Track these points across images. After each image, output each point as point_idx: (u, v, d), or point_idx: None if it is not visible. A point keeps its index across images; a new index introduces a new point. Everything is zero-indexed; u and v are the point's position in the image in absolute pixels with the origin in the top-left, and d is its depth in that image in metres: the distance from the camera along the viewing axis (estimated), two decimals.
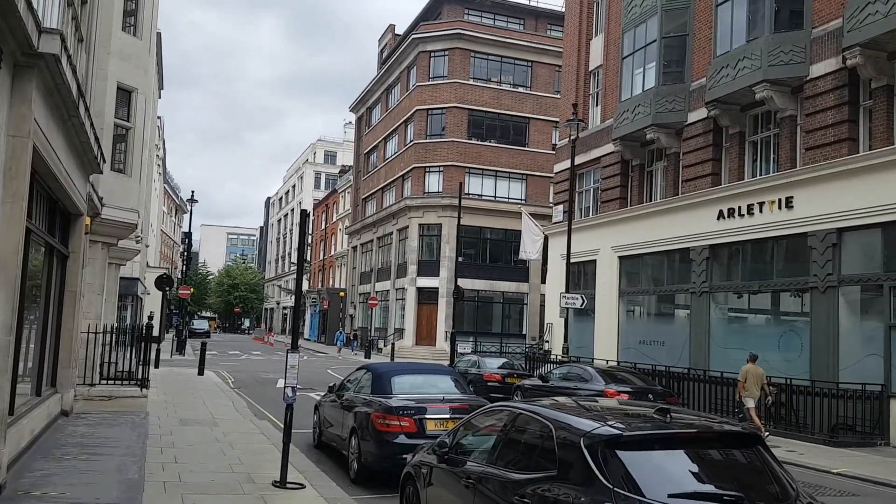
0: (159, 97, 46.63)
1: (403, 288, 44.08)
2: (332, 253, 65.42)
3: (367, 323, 51.45)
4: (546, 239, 27.17)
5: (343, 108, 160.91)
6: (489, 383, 18.88)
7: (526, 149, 43.55)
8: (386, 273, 47.93)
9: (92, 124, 10.49)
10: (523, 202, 43.47)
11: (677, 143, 20.59)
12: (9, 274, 6.68)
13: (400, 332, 43.75)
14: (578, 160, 25.32)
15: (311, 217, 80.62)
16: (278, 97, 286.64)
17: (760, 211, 17.10)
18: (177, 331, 39.49)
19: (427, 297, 42.70)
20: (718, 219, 18.41)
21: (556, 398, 6.05)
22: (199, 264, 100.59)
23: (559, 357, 21.85)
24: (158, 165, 55.28)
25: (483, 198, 42.24)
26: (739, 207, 17.69)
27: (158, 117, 48.30)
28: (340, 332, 48.89)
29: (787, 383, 14.82)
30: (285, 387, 8.10)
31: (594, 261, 23.45)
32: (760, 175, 17.92)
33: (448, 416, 8.67)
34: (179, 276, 53.47)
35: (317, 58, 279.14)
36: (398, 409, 8.70)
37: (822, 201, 15.34)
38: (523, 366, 21.87)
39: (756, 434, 4.61)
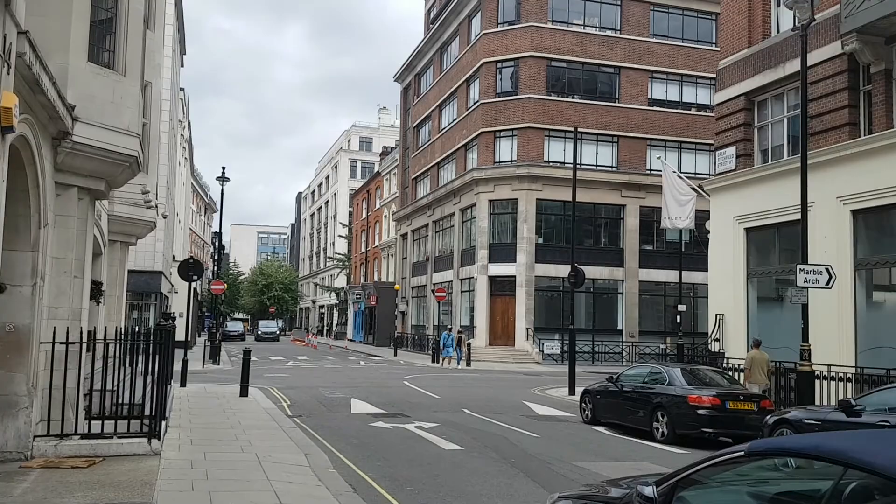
0: (182, 65, 40.23)
1: (472, 277, 37.08)
2: (377, 244, 58.66)
3: (423, 320, 44.60)
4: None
5: (368, 109, 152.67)
6: (699, 411, 11.80)
7: (617, 104, 36.22)
8: (446, 261, 41.00)
9: None
10: (614, 169, 36.26)
11: None
12: None
13: (469, 330, 36.81)
14: (759, 81, 18.09)
15: (350, 208, 74.01)
16: (304, 100, 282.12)
17: None
18: (210, 335, 32.99)
19: (501, 288, 35.66)
20: None
21: None
22: (230, 264, 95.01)
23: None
24: (184, 148, 48.98)
25: (566, 165, 35.00)
26: None
27: (181, 89, 41.83)
28: (448, 334, 33.42)
29: None
30: None
31: (799, 221, 16.19)
32: None
33: None
34: (210, 276, 47.19)
35: (339, 60, 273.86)
36: None
37: None
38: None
39: None
